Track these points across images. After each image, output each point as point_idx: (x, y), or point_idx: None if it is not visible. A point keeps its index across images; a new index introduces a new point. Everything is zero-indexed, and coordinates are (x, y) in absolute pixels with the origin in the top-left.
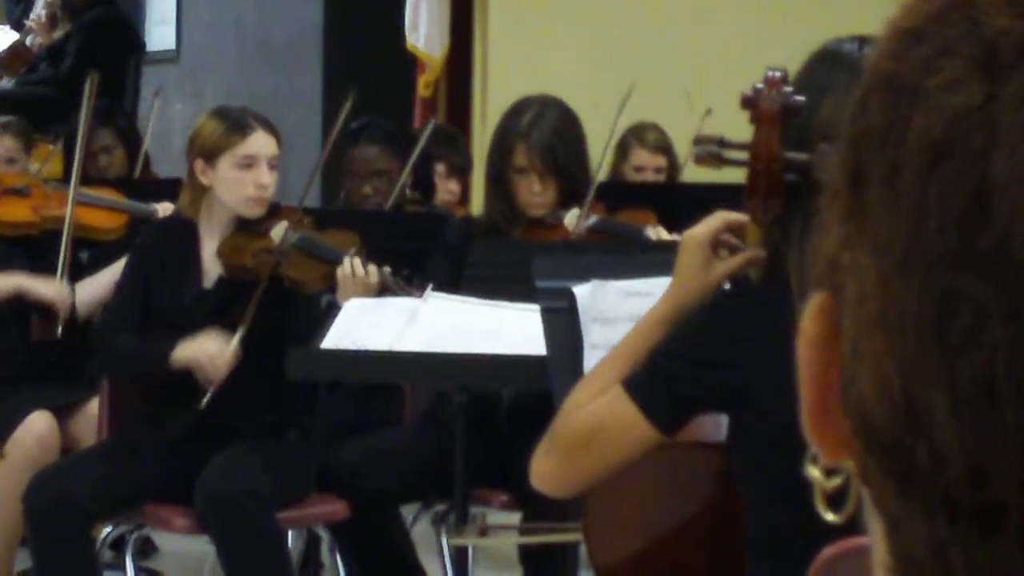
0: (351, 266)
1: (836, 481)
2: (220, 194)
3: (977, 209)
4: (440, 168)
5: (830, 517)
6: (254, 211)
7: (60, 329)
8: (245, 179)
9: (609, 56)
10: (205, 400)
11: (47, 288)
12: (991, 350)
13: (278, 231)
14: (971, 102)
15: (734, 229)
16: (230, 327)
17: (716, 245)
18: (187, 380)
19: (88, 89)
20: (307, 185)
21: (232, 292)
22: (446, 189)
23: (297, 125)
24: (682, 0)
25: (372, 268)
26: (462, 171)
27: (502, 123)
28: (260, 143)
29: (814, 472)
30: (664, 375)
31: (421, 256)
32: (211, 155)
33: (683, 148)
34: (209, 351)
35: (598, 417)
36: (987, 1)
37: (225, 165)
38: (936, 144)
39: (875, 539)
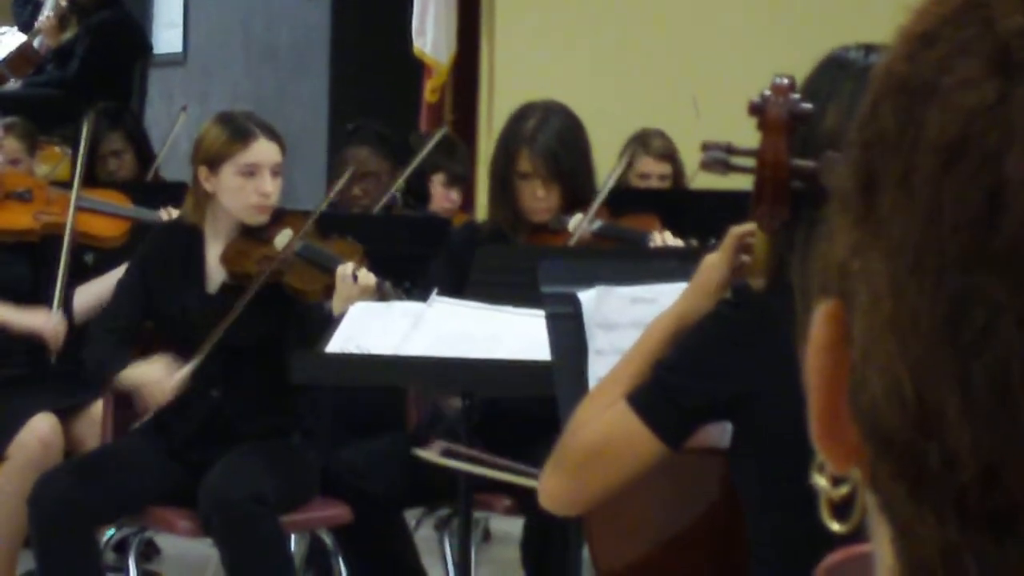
0: (349, 272)
1: (843, 490)
2: (223, 201)
3: (991, 208)
4: (440, 177)
5: (835, 527)
6: (257, 219)
7: (54, 359)
8: (248, 187)
9: (616, 62)
10: (137, 424)
11: (35, 319)
12: (1005, 350)
13: (282, 238)
14: (985, 100)
15: (745, 239)
16: (234, 332)
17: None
18: (191, 385)
19: (87, 127)
20: (325, 200)
21: (235, 297)
22: (446, 198)
23: (303, 128)
24: (689, 6)
25: (371, 277)
26: (462, 180)
27: (505, 129)
28: (262, 151)
29: (821, 481)
30: (668, 388)
31: (422, 261)
32: (214, 163)
33: (689, 155)
34: (153, 376)
35: (604, 434)
36: (1000, 1)
37: (228, 173)
38: (950, 144)
39: (880, 545)
